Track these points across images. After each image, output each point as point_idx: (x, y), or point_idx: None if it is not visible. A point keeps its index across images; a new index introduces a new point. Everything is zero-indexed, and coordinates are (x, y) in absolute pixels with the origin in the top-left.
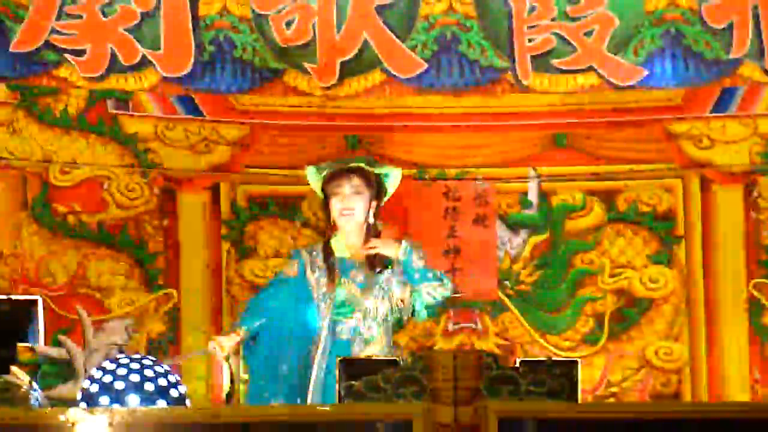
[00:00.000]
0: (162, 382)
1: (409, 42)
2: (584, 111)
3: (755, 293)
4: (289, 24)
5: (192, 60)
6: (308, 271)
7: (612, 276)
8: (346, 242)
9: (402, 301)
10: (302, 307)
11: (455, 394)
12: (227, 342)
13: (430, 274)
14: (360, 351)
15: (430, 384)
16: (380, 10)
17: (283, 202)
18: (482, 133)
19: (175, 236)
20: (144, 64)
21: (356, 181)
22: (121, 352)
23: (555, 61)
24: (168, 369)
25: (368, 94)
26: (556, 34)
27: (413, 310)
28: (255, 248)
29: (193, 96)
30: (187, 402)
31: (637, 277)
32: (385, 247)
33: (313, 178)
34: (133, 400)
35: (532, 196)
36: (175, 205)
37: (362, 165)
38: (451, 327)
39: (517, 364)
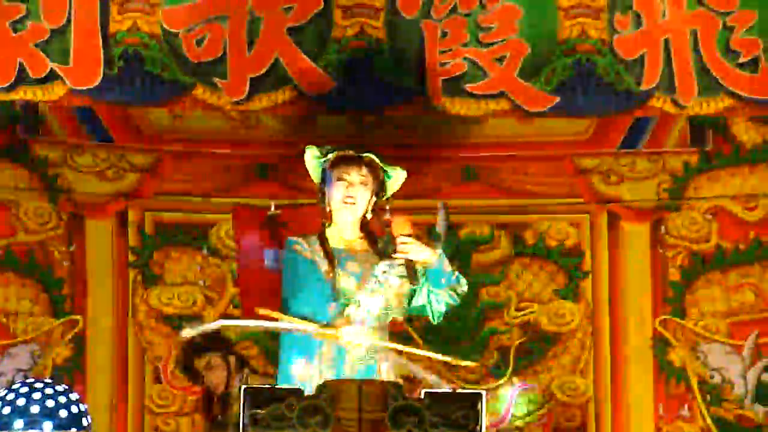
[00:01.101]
0: (49, 403)
1: (321, 62)
2: (495, 143)
3: (661, 330)
4: (199, 42)
5: (101, 74)
6: (310, 255)
7: (518, 310)
8: (341, 234)
9: (398, 296)
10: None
11: (360, 424)
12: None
13: (454, 276)
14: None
15: (334, 414)
16: (292, 31)
17: (192, 230)
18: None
19: (83, 262)
20: (52, 77)
21: (365, 170)
22: (25, 377)
23: (467, 86)
24: (64, 390)
25: (278, 110)
26: (468, 60)
27: (432, 313)
28: (162, 276)
29: (99, 116)
30: (86, 422)
31: (543, 311)
32: (419, 252)
33: (314, 159)
34: (18, 424)
35: (440, 228)
36: (83, 231)
37: (373, 156)
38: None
39: (422, 396)
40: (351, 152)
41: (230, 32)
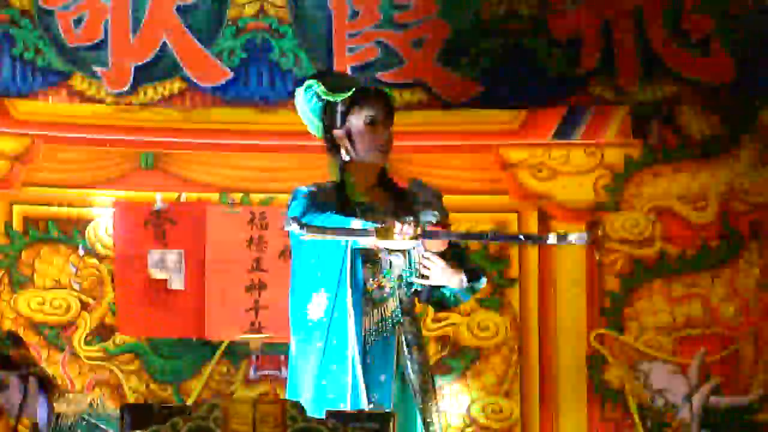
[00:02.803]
0: None
1: (214, 48)
2: (411, 133)
3: (596, 345)
4: (78, 22)
5: None
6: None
7: (435, 321)
8: (363, 185)
9: (421, 261)
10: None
11: None
12: None
13: (472, 294)
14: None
15: None
16: (182, 10)
17: (66, 227)
18: (294, 154)
19: None
20: None
21: (387, 108)
22: None
23: (379, 74)
24: None
25: (166, 103)
26: (381, 43)
27: (454, 297)
28: (32, 278)
29: None
30: None
31: (464, 323)
32: (440, 278)
33: (324, 96)
34: None
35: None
36: None
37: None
38: (252, 374)
39: (325, 416)
40: (374, 87)
41: (112, 11)
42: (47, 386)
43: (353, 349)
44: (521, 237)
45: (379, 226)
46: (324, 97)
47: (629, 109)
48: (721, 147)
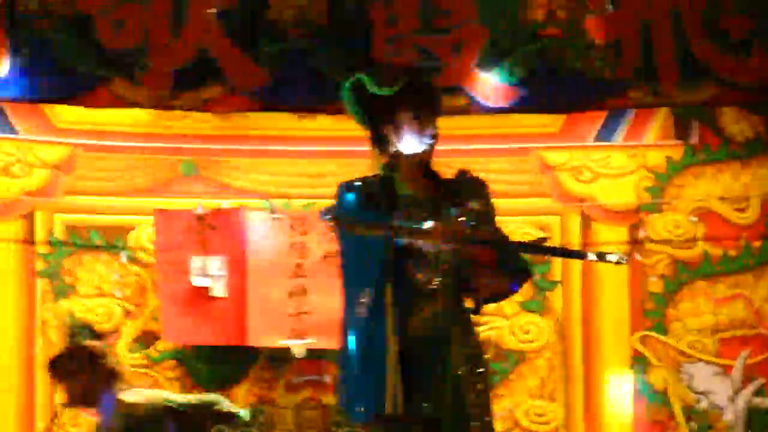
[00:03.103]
0: None
1: (254, 52)
2: (451, 138)
3: (639, 347)
4: (117, 27)
5: (6, 64)
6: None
7: (479, 325)
8: (408, 179)
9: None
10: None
11: None
12: None
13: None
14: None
15: None
16: (222, 15)
17: (108, 234)
18: (334, 159)
19: None
20: None
21: (434, 103)
22: None
23: None
24: None
25: (205, 108)
26: (420, 48)
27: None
28: (74, 286)
29: (3, 107)
30: None
31: (507, 326)
32: None
33: (370, 89)
34: None
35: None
36: None
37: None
38: (295, 380)
39: (368, 420)
40: (420, 81)
41: (151, 16)
42: (115, 378)
43: (394, 347)
44: (561, 251)
45: (415, 226)
46: (371, 90)
47: (670, 111)
48: (762, 147)
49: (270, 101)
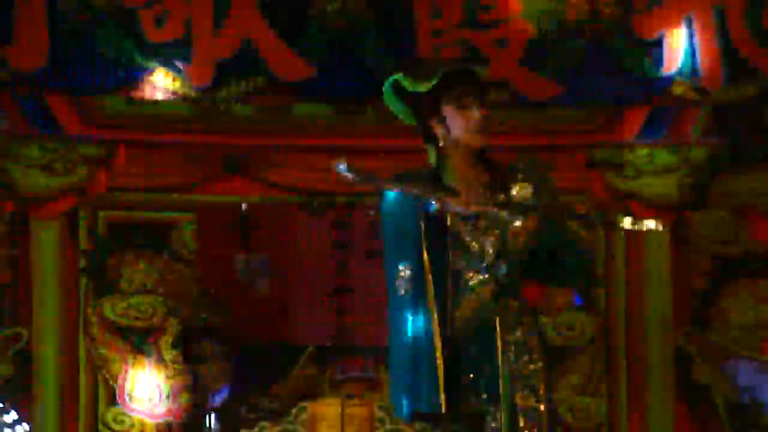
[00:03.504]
0: None
1: (298, 44)
2: (495, 133)
3: (683, 344)
4: (160, 19)
5: (47, 55)
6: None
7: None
8: (460, 170)
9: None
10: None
11: None
12: None
13: None
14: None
15: None
16: (265, 6)
17: (151, 231)
18: (379, 154)
19: (27, 267)
20: None
21: (479, 89)
22: None
23: None
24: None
25: (247, 100)
26: (464, 42)
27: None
28: (117, 283)
29: (46, 101)
30: None
31: (550, 323)
32: None
33: (412, 87)
34: None
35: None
36: (28, 232)
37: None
38: (339, 375)
39: (412, 417)
40: (460, 68)
41: (194, 7)
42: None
43: (437, 343)
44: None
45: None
46: (411, 89)
47: (713, 109)
48: None
49: (314, 94)
